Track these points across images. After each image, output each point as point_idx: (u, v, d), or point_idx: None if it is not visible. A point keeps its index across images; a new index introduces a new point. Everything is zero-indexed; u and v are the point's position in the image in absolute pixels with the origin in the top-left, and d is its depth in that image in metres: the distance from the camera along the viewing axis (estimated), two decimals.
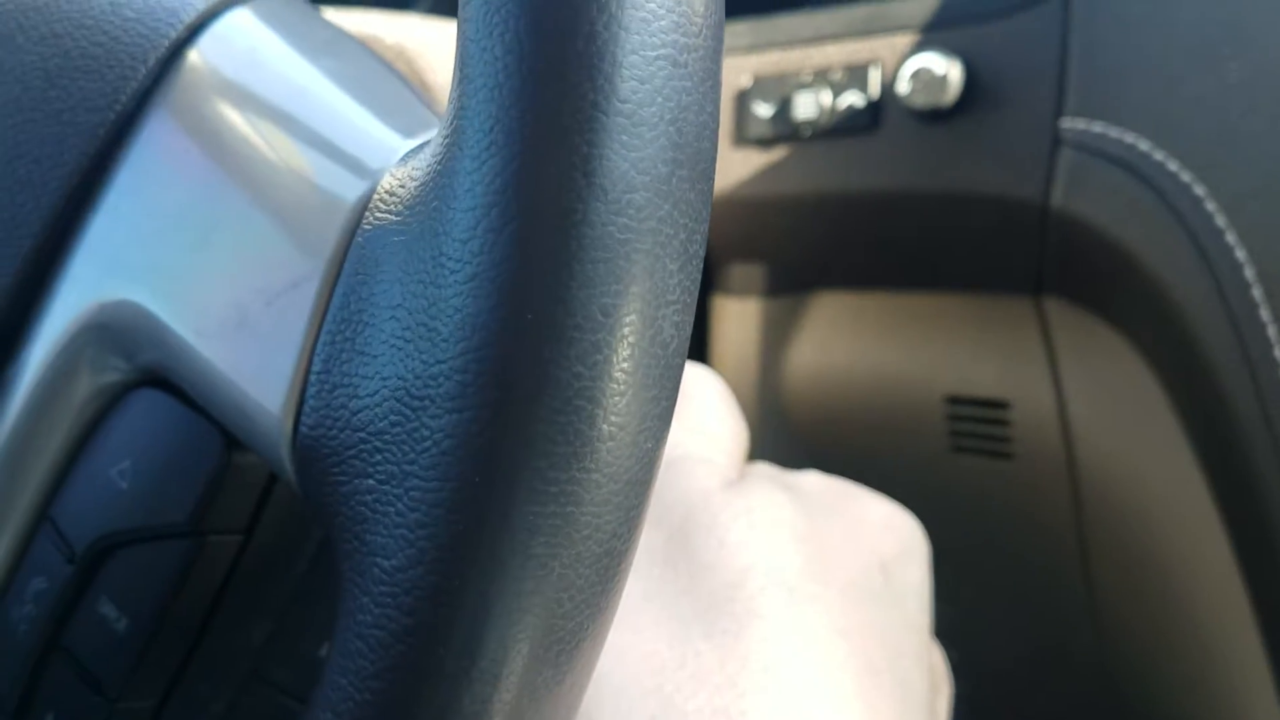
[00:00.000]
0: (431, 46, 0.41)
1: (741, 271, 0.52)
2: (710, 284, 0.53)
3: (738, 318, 0.53)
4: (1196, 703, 0.48)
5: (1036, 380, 0.46)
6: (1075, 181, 0.40)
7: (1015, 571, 0.55)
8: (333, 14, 0.54)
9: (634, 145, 0.15)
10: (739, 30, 0.49)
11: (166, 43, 0.23)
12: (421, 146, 0.20)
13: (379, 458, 0.16)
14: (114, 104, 0.22)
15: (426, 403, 0.15)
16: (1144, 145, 0.38)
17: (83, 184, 0.22)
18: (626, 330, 0.15)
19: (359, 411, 0.17)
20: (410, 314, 0.16)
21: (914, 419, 0.49)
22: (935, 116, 0.42)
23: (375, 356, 0.17)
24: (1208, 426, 0.40)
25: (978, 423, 0.48)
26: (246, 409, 0.19)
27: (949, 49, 0.42)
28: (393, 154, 0.21)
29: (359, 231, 0.19)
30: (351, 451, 0.17)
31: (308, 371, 0.18)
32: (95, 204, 0.22)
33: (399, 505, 0.15)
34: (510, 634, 0.15)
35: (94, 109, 0.22)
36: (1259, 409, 0.36)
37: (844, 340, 0.50)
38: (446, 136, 0.17)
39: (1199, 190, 0.37)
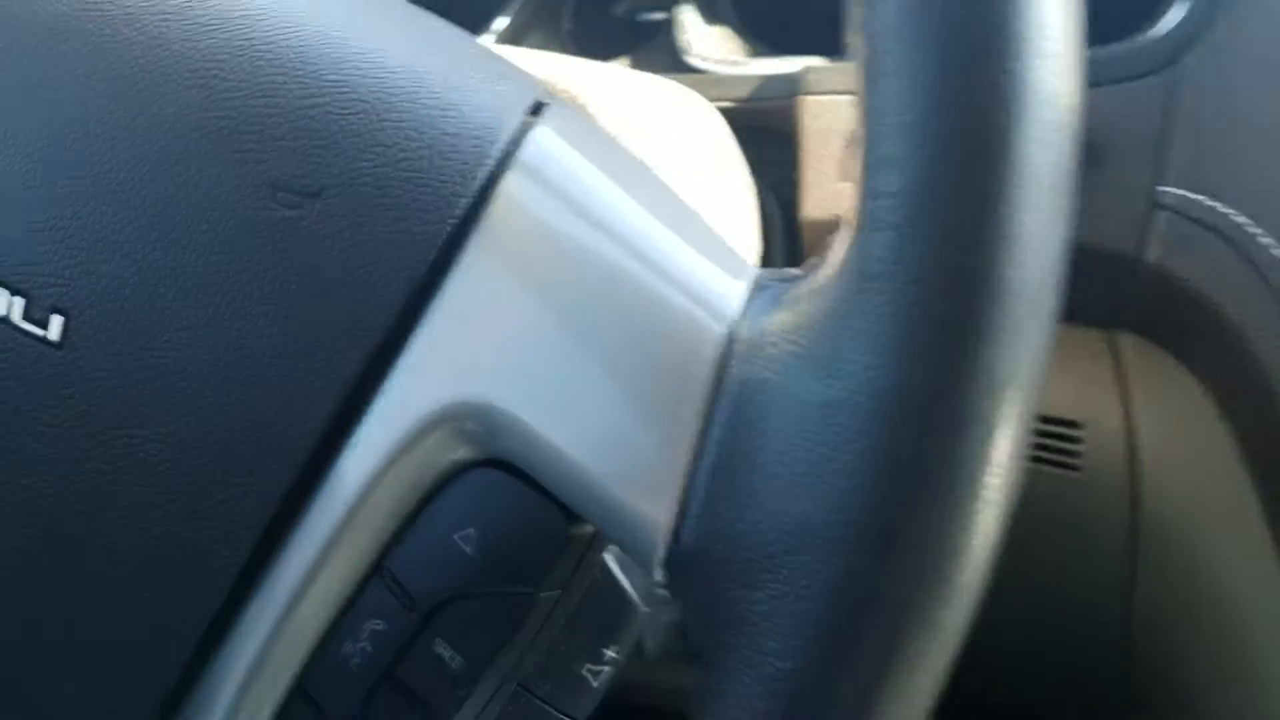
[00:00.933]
0: (602, 98, 0.45)
1: None
2: None
3: None
4: (1223, 678, 0.54)
5: (1108, 405, 0.52)
6: (1168, 241, 0.45)
7: (1061, 564, 0.61)
8: (493, 45, 0.57)
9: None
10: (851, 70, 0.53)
11: (489, 165, 0.25)
12: (775, 295, 0.23)
13: (768, 578, 0.20)
14: (447, 217, 0.25)
15: (822, 542, 0.20)
16: (1238, 217, 0.43)
17: (421, 289, 0.25)
18: (991, 508, 0.20)
19: (746, 535, 0.21)
20: (803, 465, 0.20)
21: None
22: None
23: (762, 492, 0.21)
24: (1265, 446, 0.45)
25: (1052, 438, 0.54)
26: (622, 514, 0.23)
27: None
28: (731, 296, 0.24)
29: (729, 378, 0.22)
30: (738, 568, 0.21)
31: (688, 492, 0.22)
32: (431, 309, 0.25)
33: (791, 620, 0.20)
34: (865, 701, 0.20)
35: (428, 221, 0.25)
36: None
37: None
38: (833, 316, 0.21)
39: None
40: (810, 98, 0.53)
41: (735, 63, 0.59)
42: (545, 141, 0.26)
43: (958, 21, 0.20)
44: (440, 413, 0.25)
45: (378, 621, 0.26)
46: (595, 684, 0.28)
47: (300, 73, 0.26)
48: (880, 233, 0.20)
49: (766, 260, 0.55)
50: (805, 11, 0.63)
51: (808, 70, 0.54)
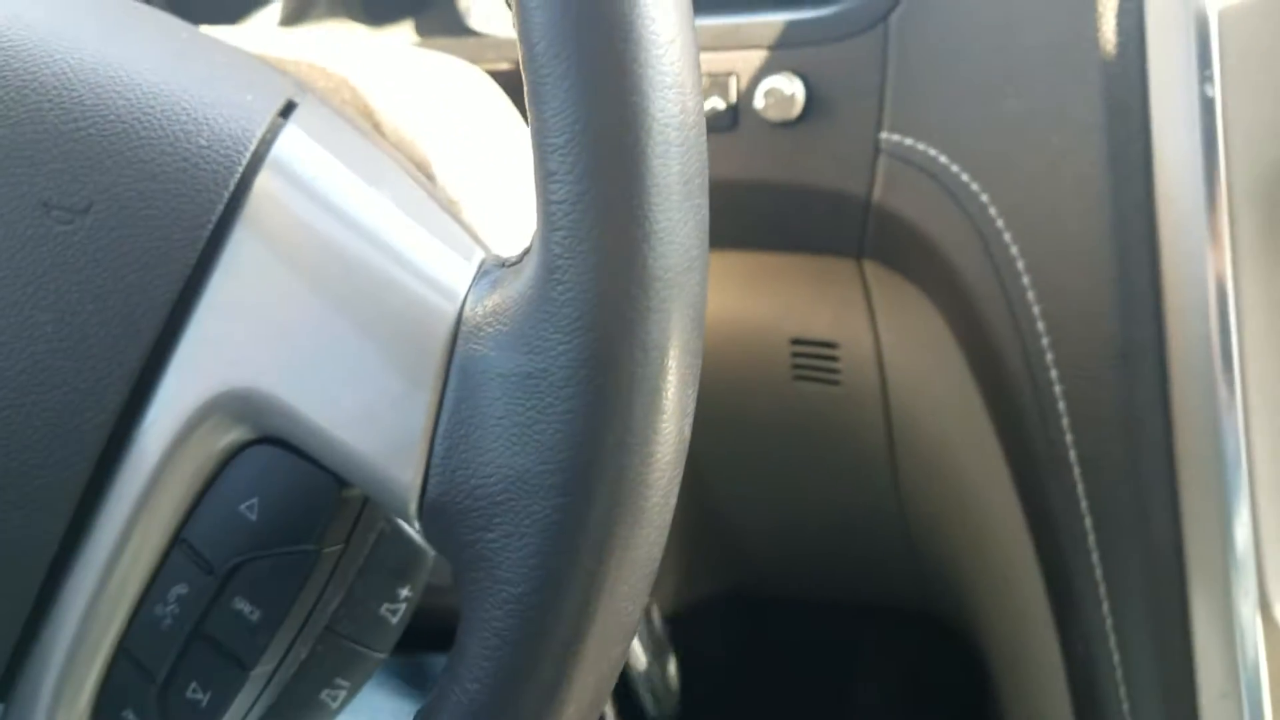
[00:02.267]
0: (376, 82, 0.48)
1: None
2: None
3: None
4: (976, 561, 0.63)
5: (860, 326, 0.58)
6: (890, 182, 0.51)
7: (835, 466, 0.69)
8: (269, 33, 0.59)
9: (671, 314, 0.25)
10: None
11: (239, 170, 0.28)
12: (493, 280, 0.27)
13: (498, 520, 0.25)
14: (205, 222, 0.28)
15: (536, 488, 0.25)
16: (943, 159, 0.49)
17: (186, 289, 0.28)
18: (667, 448, 0.25)
19: (479, 487, 0.26)
20: (517, 425, 0.25)
21: (765, 355, 0.61)
22: (784, 125, 0.53)
23: (488, 450, 0.25)
24: (982, 355, 0.52)
25: (814, 359, 0.60)
26: (378, 478, 0.27)
27: (793, 68, 0.52)
28: (463, 277, 0.28)
29: (457, 354, 0.27)
30: (475, 514, 0.26)
31: (430, 455, 0.26)
32: (197, 305, 0.28)
33: (518, 553, 0.25)
34: (585, 628, 0.25)
35: (189, 226, 0.28)
36: (1019, 344, 0.49)
37: (710, 291, 0.61)
38: (530, 300, 0.26)
39: (982, 195, 0.48)
40: None
41: (509, 26, 0.63)
42: (294, 142, 0.29)
43: (593, 61, 0.24)
44: (214, 400, 0.28)
45: (181, 586, 0.29)
46: (394, 620, 0.32)
47: (62, 98, 0.29)
48: (556, 231, 0.25)
49: None
50: None
51: None
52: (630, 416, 0.25)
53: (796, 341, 0.61)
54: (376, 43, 0.55)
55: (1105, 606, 0.45)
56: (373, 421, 0.27)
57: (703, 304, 0.27)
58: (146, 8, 0.34)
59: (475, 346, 0.27)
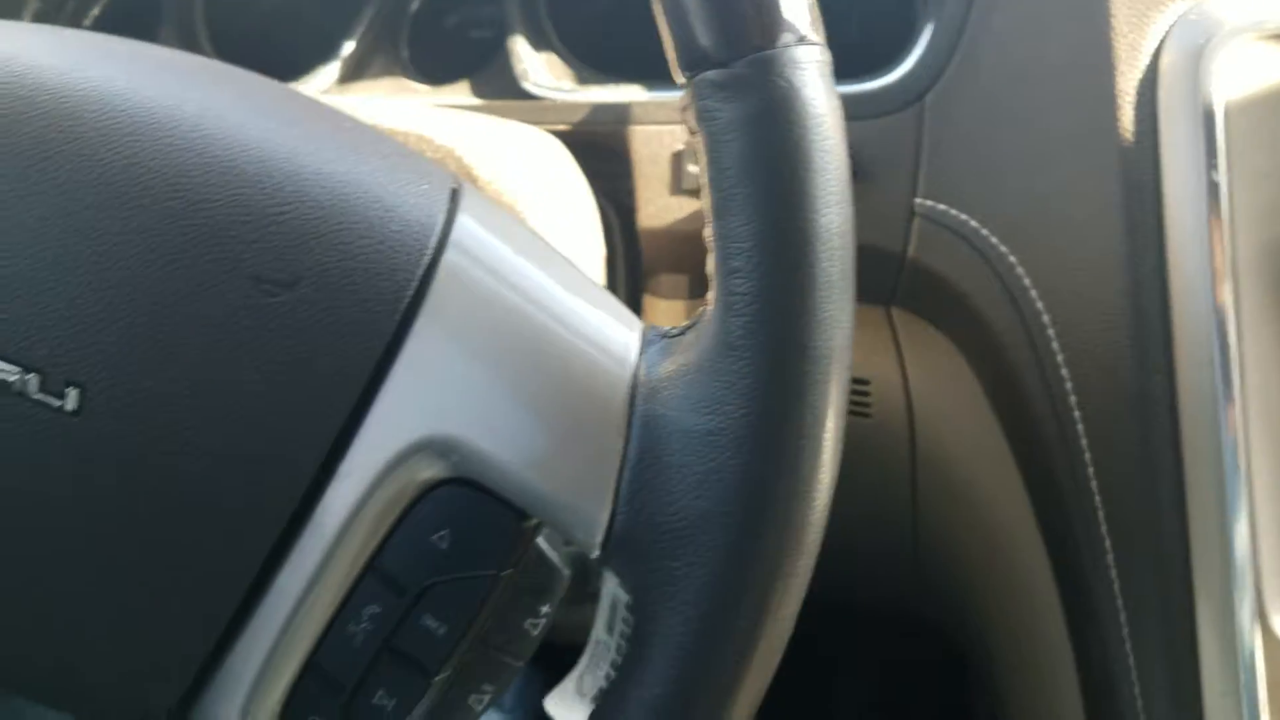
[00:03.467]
0: (477, 152, 0.53)
1: (669, 280, 0.67)
2: (642, 288, 0.69)
3: (664, 314, 0.69)
4: (988, 576, 0.70)
5: (889, 365, 0.65)
6: (924, 241, 0.58)
7: (859, 485, 0.75)
8: (371, 104, 0.64)
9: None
10: (671, 104, 0.63)
11: (429, 252, 0.32)
12: (662, 349, 0.33)
13: (681, 551, 0.30)
14: (402, 296, 0.32)
15: (717, 526, 0.30)
16: (974, 223, 0.56)
17: (386, 353, 0.32)
18: (823, 494, 0.31)
19: (664, 523, 0.31)
20: (698, 473, 0.30)
21: None
22: None
23: (671, 492, 0.31)
24: (1006, 396, 0.59)
25: (850, 394, 0.67)
26: (567, 514, 0.32)
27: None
28: (631, 344, 0.33)
29: (637, 411, 0.32)
30: (660, 545, 0.31)
31: (617, 495, 0.32)
32: (394, 367, 0.32)
33: (701, 579, 0.30)
34: (755, 642, 0.31)
35: (388, 299, 0.32)
36: (1045, 389, 0.55)
37: None
38: (708, 371, 0.32)
39: (1011, 257, 0.55)
40: (638, 127, 0.63)
41: (568, 90, 0.68)
42: (468, 226, 0.34)
43: (777, 183, 0.30)
44: (412, 446, 0.32)
45: (374, 606, 0.32)
46: (535, 633, 0.36)
47: (263, 184, 0.32)
48: (736, 318, 0.31)
49: (610, 259, 0.66)
50: (621, 39, 0.73)
51: (633, 105, 0.64)
52: (798, 468, 0.31)
53: None
54: (467, 114, 0.60)
55: (1122, 617, 0.52)
56: (563, 467, 0.32)
57: (850, 376, 0.33)
58: (309, 98, 0.39)
59: (654, 407, 0.32)
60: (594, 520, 0.32)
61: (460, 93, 0.72)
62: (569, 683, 0.51)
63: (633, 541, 0.32)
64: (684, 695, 0.31)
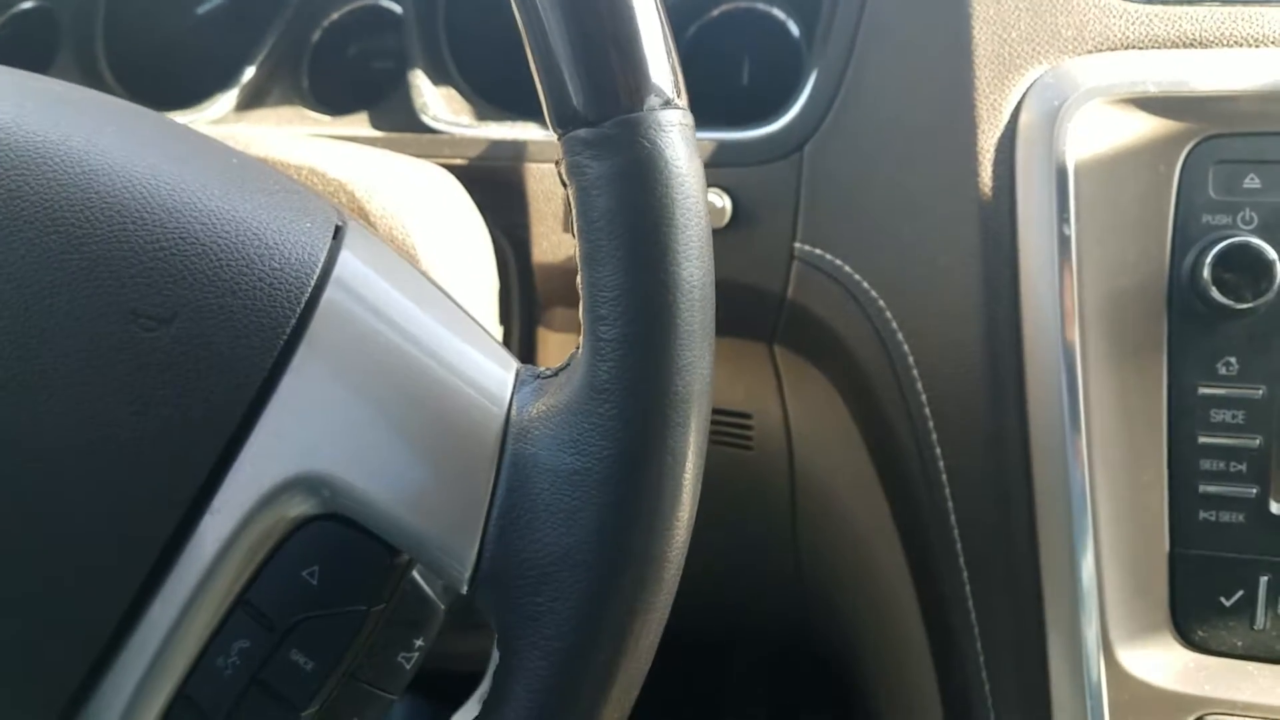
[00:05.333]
0: (374, 188, 0.54)
1: (562, 313, 0.69)
2: (536, 321, 0.70)
3: (556, 347, 0.70)
4: (861, 600, 0.73)
5: (770, 399, 0.68)
6: (801, 283, 0.61)
7: (741, 517, 0.77)
8: (266, 135, 0.65)
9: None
10: None
11: (309, 289, 0.33)
12: (534, 390, 0.34)
13: (545, 588, 0.32)
14: (280, 334, 0.32)
15: (579, 563, 0.32)
16: (847, 268, 0.59)
17: (262, 389, 0.32)
18: (683, 530, 0.33)
19: (528, 560, 0.32)
20: (563, 511, 0.32)
21: None
22: (714, 231, 0.62)
23: (537, 530, 0.32)
24: (875, 430, 0.62)
25: (730, 427, 0.69)
26: (436, 551, 0.33)
27: (720, 185, 0.61)
28: (504, 384, 0.34)
29: (507, 451, 0.33)
30: (524, 582, 0.32)
31: (484, 532, 0.33)
32: (270, 404, 0.32)
33: (563, 614, 0.32)
34: (614, 674, 0.32)
35: (266, 336, 0.32)
36: (909, 424, 0.58)
37: None
38: (576, 412, 0.33)
39: (880, 300, 0.58)
40: (534, 165, 0.65)
41: (466, 125, 0.70)
42: (350, 264, 0.34)
43: (643, 238, 0.32)
44: (285, 483, 0.32)
45: (244, 640, 0.33)
46: (408, 667, 0.37)
47: (144, 219, 0.33)
48: (603, 362, 0.32)
49: (504, 293, 0.67)
50: (520, 76, 0.74)
51: (529, 143, 0.66)
52: (659, 506, 0.32)
53: (716, 412, 0.69)
54: (362, 148, 0.61)
55: (979, 645, 0.55)
56: (433, 504, 0.33)
57: (709, 417, 0.34)
58: (199, 133, 0.39)
59: (524, 446, 0.33)
60: (463, 557, 0.33)
61: (359, 124, 0.73)
62: (464, 713, 0.52)
63: (499, 578, 0.33)
64: None
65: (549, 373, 0.36)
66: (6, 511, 0.32)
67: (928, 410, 0.56)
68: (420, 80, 0.72)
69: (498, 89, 0.75)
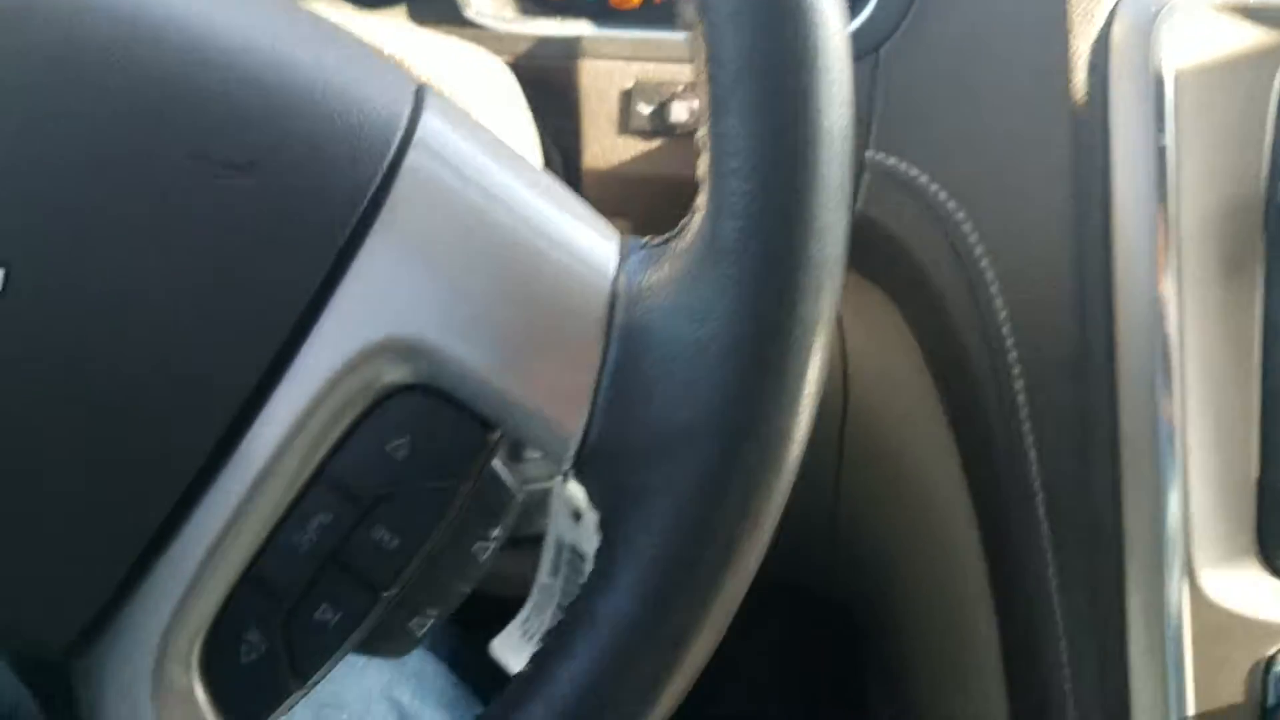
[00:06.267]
0: (427, 65, 0.50)
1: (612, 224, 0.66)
2: None
3: None
4: (909, 546, 0.70)
5: None
6: (873, 195, 0.57)
7: None
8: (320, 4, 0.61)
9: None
10: (622, 40, 0.61)
11: (394, 146, 0.30)
12: (645, 258, 0.31)
13: (660, 463, 0.29)
14: (364, 190, 0.30)
15: (699, 436, 0.29)
16: (924, 178, 0.56)
17: (346, 247, 0.30)
18: (809, 409, 0.30)
19: (641, 435, 0.29)
20: (681, 384, 0.29)
21: None
22: None
23: (652, 404, 0.29)
24: (944, 355, 0.59)
25: None
26: (538, 425, 0.30)
27: None
28: (608, 251, 0.31)
29: (617, 320, 0.30)
30: (635, 457, 0.29)
31: (593, 405, 0.30)
32: (354, 263, 0.30)
33: (679, 490, 0.29)
34: (731, 555, 0.29)
35: (350, 191, 0.30)
36: (985, 348, 0.55)
37: None
38: (697, 278, 0.30)
39: (958, 214, 0.55)
40: (587, 61, 0.61)
41: (511, 20, 0.66)
42: (434, 125, 0.32)
43: (781, 81, 0.29)
44: (371, 347, 0.30)
45: (324, 515, 0.30)
46: (482, 559, 0.35)
47: (210, 62, 0.30)
48: (730, 221, 0.29)
49: None
50: None
51: (583, 39, 0.62)
52: (785, 381, 0.29)
53: None
54: (414, 29, 0.57)
55: (1053, 585, 0.52)
56: (536, 374, 0.31)
57: (840, 285, 0.31)
58: None
59: (637, 314, 0.30)
60: (567, 430, 0.30)
61: (397, 16, 0.69)
62: (514, 627, 0.49)
63: (608, 453, 0.30)
64: (656, 609, 0.30)
65: (656, 241, 0.33)
66: (56, 373, 0.29)
67: (1005, 329, 0.53)
68: None
69: None
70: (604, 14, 0.65)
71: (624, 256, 0.32)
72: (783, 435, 0.29)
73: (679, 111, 0.60)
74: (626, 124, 0.61)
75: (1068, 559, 0.52)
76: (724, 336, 0.29)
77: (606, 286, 0.31)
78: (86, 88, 0.30)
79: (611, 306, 0.31)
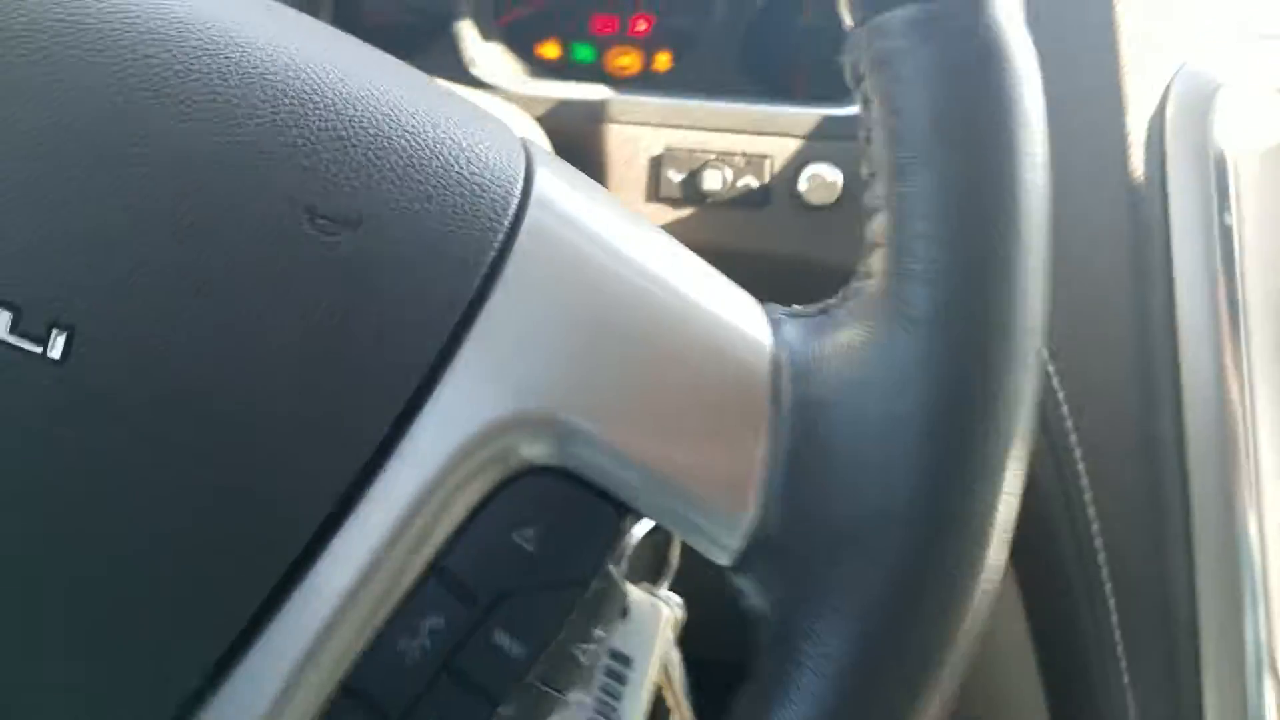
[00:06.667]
0: None
1: None
2: None
3: None
4: None
5: None
6: None
7: None
8: None
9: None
10: (650, 106, 0.59)
11: (515, 200, 0.28)
12: (811, 326, 0.28)
13: (851, 554, 0.26)
14: (486, 248, 0.27)
15: (895, 525, 0.25)
16: None
17: (467, 312, 0.26)
18: (1016, 491, 0.26)
19: (827, 523, 0.26)
20: (873, 465, 0.26)
21: None
22: (820, 207, 0.56)
23: (837, 489, 0.26)
24: None
25: None
26: (694, 514, 0.27)
27: (829, 158, 0.56)
28: (757, 318, 0.28)
29: (787, 395, 0.27)
30: (818, 549, 0.26)
31: (769, 492, 0.26)
32: (475, 329, 0.26)
33: (873, 589, 0.25)
34: (930, 670, 0.26)
35: (470, 249, 0.27)
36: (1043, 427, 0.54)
37: None
38: (886, 349, 0.26)
39: None
40: (614, 126, 0.59)
41: (524, 82, 0.63)
42: (550, 178, 0.29)
43: (982, 138, 0.26)
44: (496, 424, 0.26)
45: (436, 618, 0.26)
46: (583, 661, 0.31)
47: (318, 104, 0.27)
48: (922, 288, 0.26)
49: None
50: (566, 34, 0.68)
51: (608, 102, 0.59)
52: (991, 461, 0.26)
53: None
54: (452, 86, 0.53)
55: (1122, 664, 0.50)
56: (693, 454, 0.27)
57: (1041, 357, 0.28)
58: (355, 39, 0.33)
59: (810, 388, 0.27)
60: (734, 520, 0.27)
61: None
62: None
63: (782, 544, 0.27)
64: None
65: (811, 310, 0.30)
66: (126, 452, 0.25)
67: (1065, 410, 0.51)
68: (466, 30, 0.65)
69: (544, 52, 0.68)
70: (605, 79, 0.63)
71: (778, 325, 0.29)
72: (987, 524, 0.26)
73: (712, 180, 0.57)
74: (656, 191, 0.58)
75: (1139, 655, 0.49)
76: (922, 413, 0.26)
77: (767, 355, 0.28)
78: (182, 127, 0.26)
79: (775, 379, 0.28)
